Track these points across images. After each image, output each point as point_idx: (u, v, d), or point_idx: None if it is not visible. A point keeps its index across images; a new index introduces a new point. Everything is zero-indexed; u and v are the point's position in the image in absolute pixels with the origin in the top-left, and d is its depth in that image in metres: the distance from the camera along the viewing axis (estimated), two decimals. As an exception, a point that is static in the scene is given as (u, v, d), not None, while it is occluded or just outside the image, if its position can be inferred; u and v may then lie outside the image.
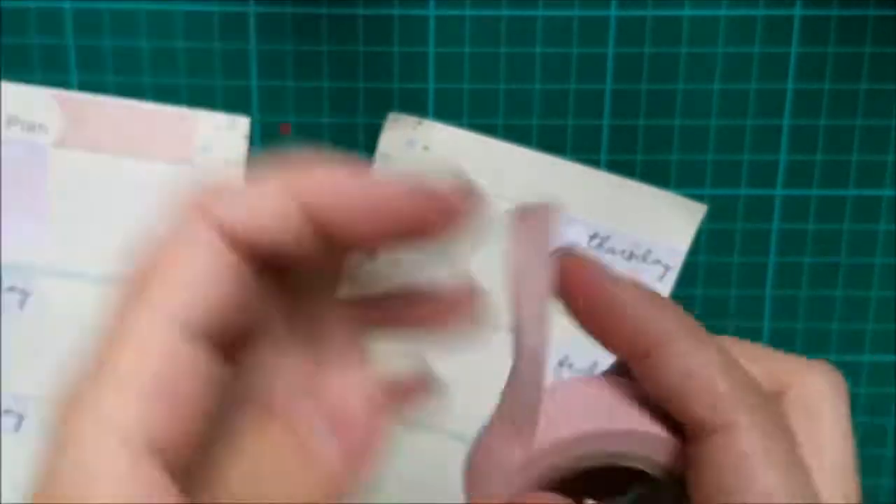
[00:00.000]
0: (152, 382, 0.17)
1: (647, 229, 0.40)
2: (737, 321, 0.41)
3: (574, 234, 0.40)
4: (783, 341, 0.41)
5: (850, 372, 0.41)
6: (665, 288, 0.40)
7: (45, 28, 0.39)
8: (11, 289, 0.41)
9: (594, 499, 0.23)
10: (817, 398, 0.21)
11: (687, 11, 0.38)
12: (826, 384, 0.21)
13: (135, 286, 0.17)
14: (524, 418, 0.20)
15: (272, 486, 0.19)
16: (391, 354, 0.22)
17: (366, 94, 0.39)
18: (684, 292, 0.41)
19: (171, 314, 0.17)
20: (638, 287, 0.20)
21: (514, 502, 0.20)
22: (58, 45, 0.39)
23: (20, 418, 0.41)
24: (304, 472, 0.19)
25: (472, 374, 0.38)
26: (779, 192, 0.40)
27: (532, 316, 0.20)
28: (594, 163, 0.40)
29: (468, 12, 0.38)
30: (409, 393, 0.21)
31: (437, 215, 0.19)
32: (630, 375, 0.21)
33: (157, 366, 0.17)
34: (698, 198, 0.40)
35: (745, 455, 0.19)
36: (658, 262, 0.40)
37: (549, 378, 0.21)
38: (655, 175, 0.40)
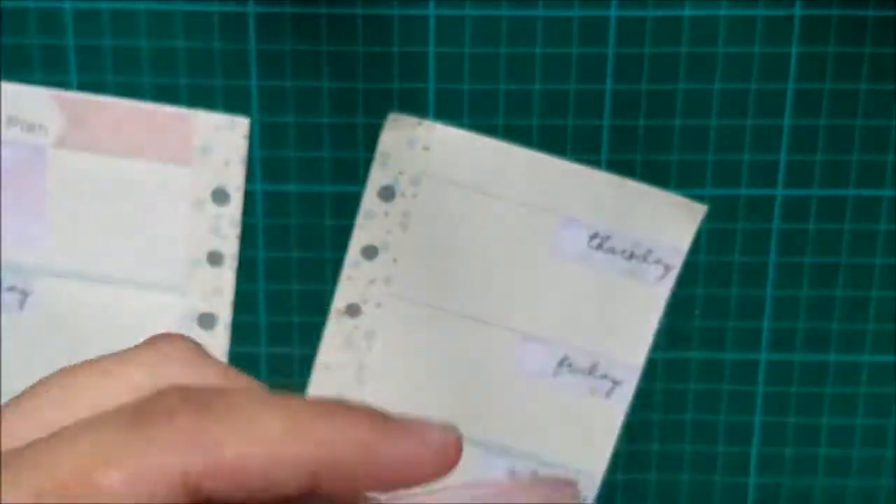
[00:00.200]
0: None
1: (648, 229, 0.40)
2: (737, 321, 0.41)
3: (574, 234, 0.40)
4: (783, 341, 0.41)
5: (851, 372, 0.41)
6: (665, 288, 0.40)
7: (44, 28, 0.39)
8: (11, 289, 0.41)
9: None
10: None
11: (687, 11, 0.38)
12: None
13: None
14: None
15: None
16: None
17: (365, 94, 0.39)
18: (684, 292, 0.41)
19: None
20: None
21: None
22: (57, 45, 0.39)
23: (20, 418, 0.41)
24: None
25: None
26: (779, 192, 0.40)
27: None
28: (594, 163, 0.40)
29: (468, 12, 0.38)
30: None
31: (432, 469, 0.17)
32: None
33: None
34: (698, 198, 0.40)
35: None
36: (658, 261, 0.40)
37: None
38: (655, 175, 0.40)
